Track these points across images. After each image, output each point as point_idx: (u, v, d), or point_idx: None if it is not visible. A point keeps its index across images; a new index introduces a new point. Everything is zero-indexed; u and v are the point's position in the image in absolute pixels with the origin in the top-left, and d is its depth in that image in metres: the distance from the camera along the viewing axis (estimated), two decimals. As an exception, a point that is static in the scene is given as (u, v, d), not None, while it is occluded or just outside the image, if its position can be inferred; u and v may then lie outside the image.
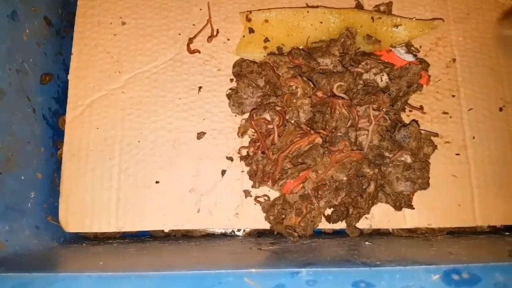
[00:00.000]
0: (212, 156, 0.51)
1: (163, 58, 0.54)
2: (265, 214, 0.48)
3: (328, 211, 0.48)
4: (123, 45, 0.54)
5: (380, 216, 0.50)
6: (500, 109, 0.53)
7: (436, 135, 0.51)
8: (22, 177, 0.47)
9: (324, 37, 0.52)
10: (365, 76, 0.49)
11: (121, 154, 0.51)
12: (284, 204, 0.47)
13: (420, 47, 0.54)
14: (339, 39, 0.50)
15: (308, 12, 0.52)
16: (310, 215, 0.47)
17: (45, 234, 0.49)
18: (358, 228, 0.48)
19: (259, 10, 0.53)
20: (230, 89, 0.52)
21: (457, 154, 0.51)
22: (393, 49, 0.53)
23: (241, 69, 0.52)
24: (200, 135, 0.52)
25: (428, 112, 0.52)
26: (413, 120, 0.51)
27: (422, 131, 0.50)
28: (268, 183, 0.47)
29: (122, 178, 0.51)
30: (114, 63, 0.54)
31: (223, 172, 0.51)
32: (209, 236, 0.54)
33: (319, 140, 0.45)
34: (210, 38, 0.54)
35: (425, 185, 0.47)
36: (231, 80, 0.53)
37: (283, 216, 0.47)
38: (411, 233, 0.51)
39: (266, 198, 0.49)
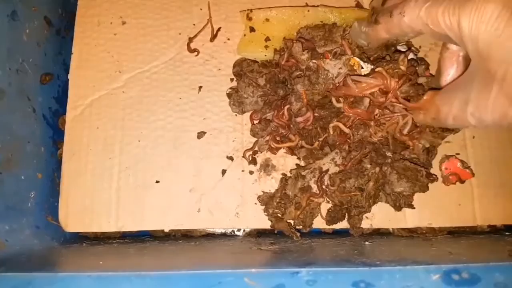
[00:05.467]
0: (213, 156, 0.51)
1: (164, 58, 0.54)
2: (263, 207, 0.48)
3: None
4: (124, 45, 0.54)
5: (381, 215, 0.50)
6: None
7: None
8: (22, 177, 0.47)
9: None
10: None
11: (121, 154, 0.51)
12: (284, 197, 0.47)
13: (420, 47, 0.54)
14: (341, 26, 0.50)
15: (308, 11, 0.52)
16: (309, 207, 0.47)
17: (45, 234, 0.49)
18: (362, 228, 0.49)
19: (259, 9, 0.53)
20: (231, 88, 0.52)
21: (457, 154, 0.51)
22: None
23: (242, 69, 0.52)
24: (201, 134, 0.52)
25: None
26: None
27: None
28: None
29: (122, 177, 0.51)
30: (115, 62, 0.54)
31: (224, 171, 0.51)
32: (209, 236, 0.54)
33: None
34: (212, 38, 0.54)
35: (425, 188, 0.47)
36: (232, 79, 0.53)
37: (283, 209, 0.47)
38: (412, 233, 0.51)
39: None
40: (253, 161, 0.51)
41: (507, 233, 0.52)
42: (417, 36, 0.41)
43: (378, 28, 0.41)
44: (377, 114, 0.46)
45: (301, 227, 0.48)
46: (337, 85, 0.46)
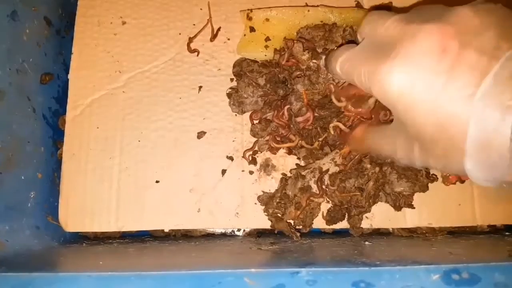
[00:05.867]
0: (213, 156, 0.51)
1: (164, 58, 0.54)
2: (263, 207, 0.48)
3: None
4: (124, 45, 0.54)
5: (381, 215, 0.50)
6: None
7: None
8: (22, 177, 0.47)
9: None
10: None
11: (121, 154, 0.51)
12: (284, 197, 0.47)
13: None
14: (341, 26, 0.50)
15: (308, 11, 0.52)
16: (309, 207, 0.47)
17: (45, 234, 0.49)
18: (362, 228, 0.49)
19: (259, 9, 0.53)
20: (231, 88, 0.52)
21: (457, 154, 0.51)
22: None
23: (242, 69, 0.52)
24: (201, 134, 0.52)
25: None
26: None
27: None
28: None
29: (122, 177, 0.51)
30: (115, 62, 0.54)
31: (224, 171, 0.51)
32: (209, 236, 0.54)
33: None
34: (212, 38, 0.54)
35: (425, 188, 0.47)
36: (232, 79, 0.53)
37: (283, 209, 0.47)
38: (412, 233, 0.51)
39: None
40: (253, 161, 0.51)
41: (507, 233, 0.52)
42: None
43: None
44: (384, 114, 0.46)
45: (301, 227, 0.48)
46: (343, 85, 0.46)
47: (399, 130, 0.34)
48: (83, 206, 0.50)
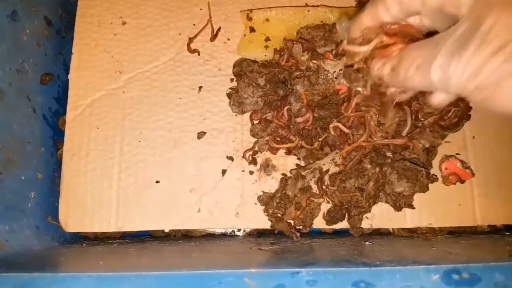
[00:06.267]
0: (213, 156, 0.51)
1: (164, 58, 0.54)
2: (263, 207, 0.48)
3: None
4: (124, 45, 0.54)
5: (381, 215, 0.50)
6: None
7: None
8: (22, 177, 0.47)
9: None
10: None
11: (122, 154, 0.51)
12: (284, 197, 0.47)
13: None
14: None
15: (308, 11, 0.52)
16: (309, 208, 0.47)
17: (45, 234, 0.49)
18: (362, 228, 0.49)
19: (259, 9, 0.53)
20: (231, 88, 0.52)
21: (457, 154, 0.51)
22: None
23: (242, 69, 0.52)
24: (201, 134, 0.52)
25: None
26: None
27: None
28: None
29: (122, 178, 0.51)
30: (115, 63, 0.54)
31: (224, 171, 0.51)
32: (209, 236, 0.54)
33: None
34: (212, 38, 0.54)
35: (425, 188, 0.47)
36: (232, 79, 0.53)
37: (283, 209, 0.47)
38: (412, 233, 0.51)
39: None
40: (253, 161, 0.51)
41: (507, 233, 0.52)
42: (402, 28, 0.36)
43: (362, 16, 0.37)
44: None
45: (301, 227, 0.48)
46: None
47: (458, 27, 0.30)
48: (83, 206, 0.50)
